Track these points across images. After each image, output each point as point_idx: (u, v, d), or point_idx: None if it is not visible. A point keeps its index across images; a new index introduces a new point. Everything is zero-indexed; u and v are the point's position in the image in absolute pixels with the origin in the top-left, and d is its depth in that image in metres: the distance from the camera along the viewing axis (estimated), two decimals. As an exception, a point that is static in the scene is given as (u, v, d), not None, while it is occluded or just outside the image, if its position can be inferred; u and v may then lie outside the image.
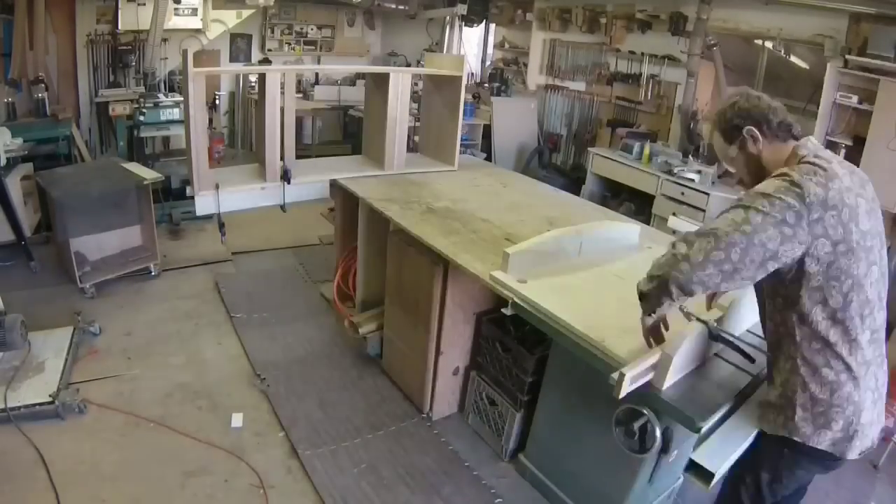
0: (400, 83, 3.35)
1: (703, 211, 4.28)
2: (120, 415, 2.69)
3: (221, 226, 3.28)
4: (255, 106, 4.74)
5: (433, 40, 7.46)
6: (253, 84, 6.88)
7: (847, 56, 3.73)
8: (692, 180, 4.39)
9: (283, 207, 3.31)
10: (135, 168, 4.05)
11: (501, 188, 3.47)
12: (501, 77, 7.00)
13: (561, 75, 6.42)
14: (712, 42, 4.48)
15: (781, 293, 1.46)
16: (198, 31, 6.67)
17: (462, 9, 6.45)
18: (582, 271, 2.23)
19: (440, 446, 2.67)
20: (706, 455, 1.59)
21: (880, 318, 1.48)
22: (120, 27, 6.11)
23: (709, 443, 1.63)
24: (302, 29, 7.64)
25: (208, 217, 3.55)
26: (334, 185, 3.34)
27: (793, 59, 4.39)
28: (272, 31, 7.48)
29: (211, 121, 6.42)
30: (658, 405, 1.66)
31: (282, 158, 3.28)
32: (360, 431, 2.70)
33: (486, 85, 7.15)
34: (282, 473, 2.45)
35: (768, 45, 4.39)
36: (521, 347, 2.45)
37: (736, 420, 1.69)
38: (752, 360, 1.72)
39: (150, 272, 3.98)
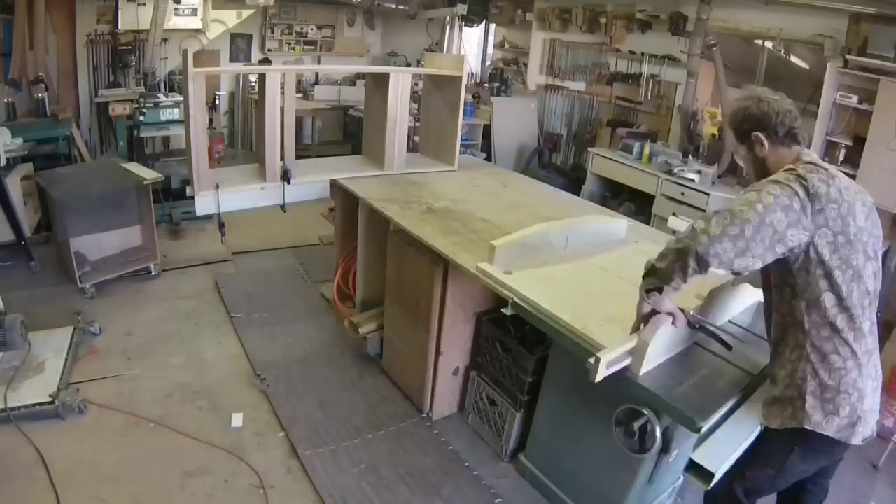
0: (400, 83, 3.35)
1: (703, 211, 4.28)
2: (120, 415, 2.69)
3: (221, 226, 3.28)
4: (255, 106, 4.74)
5: (433, 40, 7.46)
6: (253, 84, 6.88)
7: (847, 56, 3.73)
8: (692, 180, 4.39)
9: (283, 207, 3.32)
10: (135, 168, 4.05)
11: (501, 188, 3.47)
12: (501, 77, 7.00)
13: (561, 75, 6.42)
14: (712, 42, 4.48)
15: (790, 282, 1.52)
16: (198, 31, 6.67)
17: (462, 9, 6.45)
18: (567, 263, 2.28)
19: (440, 446, 2.67)
20: (706, 455, 1.59)
21: (874, 311, 1.57)
22: (120, 27, 6.11)
23: (709, 443, 1.63)
24: (302, 29, 7.64)
25: (208, 217, 3.55)
26: (334, 185, 3.34)
27: (793, 59, 4.39)
28: (272, 31, 7.47)
29: (211, 121, 6.42)
30: (658, 405, 1.66)
31: (282, 158, 3.28)
32: (360, 431, 2.70)
33: (486, 85, 7.14)
34: (282, 473, 2.45)
35: (768, 45, 4.38)
36: (521, 347, 2.45)
37: (736, 420, 1.69)
38: (728, 348, 1.77)
39: (150, 272, 3.98)
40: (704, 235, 1.45)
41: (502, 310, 2.10)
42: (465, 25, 7.12)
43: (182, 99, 4.13)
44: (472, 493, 2.42)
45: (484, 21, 7.47)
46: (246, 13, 6.97)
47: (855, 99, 3.70)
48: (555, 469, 2.38)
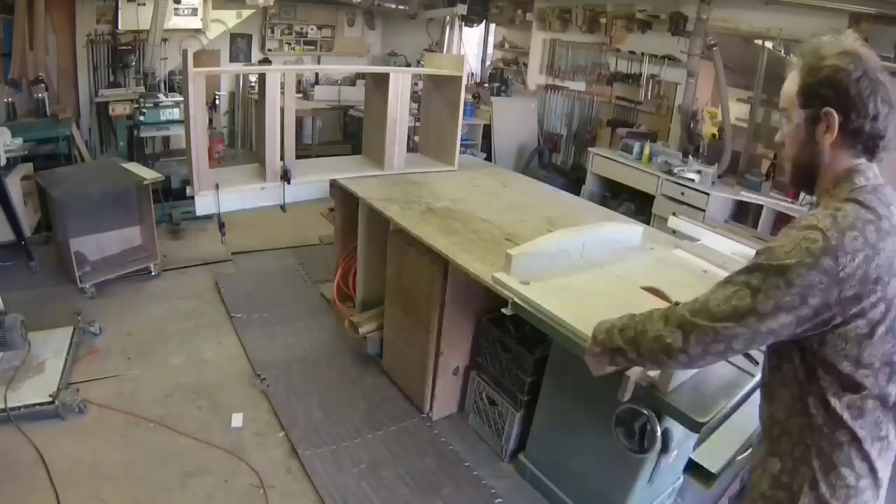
0: (400, 83, 3.35)
1: (703, 211, 4.29)
2: (120, 415, 2.69)
3: (221, 226, 3.28)
4: (255, 106, 4.73)
5: (433, 40, 7.46)
6: (253, 84, 6.88)
7: (847, 56, 3.72)
8: (692, 180, 4.40)
9: (283, 207, 3.32)
10: (135, 168, 4.05)
11: (501, 188, 3.47)
12: (501, 77, 7.00)
13: (561, 75, 6.42)
14: (712, 42, 4.48)
15: (809, 355, 1.12)
16: (198, 31, 6.67)
17: (462, 9, 6.45)
18: (584, 272, 2.22)
19: (440, 446, 2.67)
20: (706, 455, 1.59)
21: None
22: (120, 27, 6.10)
23: (709, 443, 1.63)
24: (302, 29, 7.64)
25: (208, 217, 3.55)
26: (334, 185, 3.34)
27: (793, 58, 4.39)
28: (272, 31, 7.47)
29: (211, 121, 6.41)
30: (658, 405, 1.66)
31: (282, 158, 3.28)
32: (360, 431, 2.70)
33: (486, 85, 7.14)
34: (282, 473, 2.45)
35: (768, 45, 4.38)
36: (521, 347, 2.44)
37: (736, 420, 1.69)
38: (755, 362, 1.72)
39: (150, 272, 3.98)
40: (684, 356, 1.17)
41: (502, 310, 2.10)
42: (465, 25, 7.12)
43: (182, 99, 4.14)
44: (472, 494, 2.42)
45: (484, 21, 7.48)
46: (246, 13, 6.97)
47: (855, 99, 3.70)
48: (555, 469, 2.38)
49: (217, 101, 7.10)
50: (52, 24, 5.68)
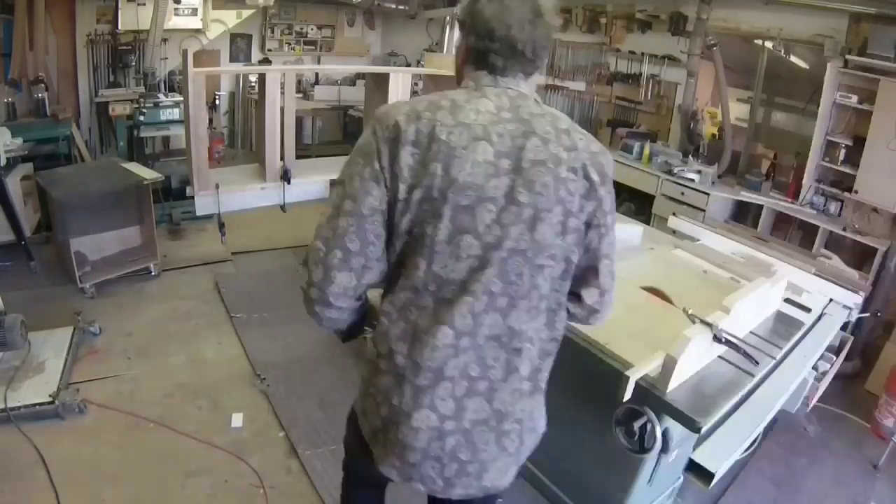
0: (400, 83, 3.35)
1: (703, 211, 4.29)
2: (120, 415, 2.69)
3: (221, 226, 3.28)
4: (255, 106, 4.73)
5: (433, 40, 7.45)
6: (253, 84, 6.87)
7: (847, 56, 3.73)
8: (692, 180, 4.39)
9: (283, 207, 3.32)
10: (135, 168, 4.05)
11: (501, 188, 3.46)
12: (501, 77, 7.00)
13: (561, 75, 6.41)
14: (712, 42, 4.48)
15: None
16: (198, 31, 6.66)
17: (462, 9, 6.44)
18: None
19: (440, 446, 2.66)
20: (706, 455, 1.59)
21: None
22: (120, 27, 6.09)
23: (709, 443, 1.63)
24: (302, 29, 7.63)
25: (208, 217, 3.55)
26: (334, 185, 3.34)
27: (793, 59, 4.39)
28: (272, 31, 7.46)
29: (211, 121, 6.41)
30: (659, 405, 1.66)
31: (282, 158, 3.28)
32: (360, 431, 2.70)
33: (486, 85, 7.13)
34: (282, 473, 2.45)
35: (768, 45, 4.38)
36: (521, 347, 2.44)
37: (736, 420, 1.69)
38: (755, 363, 1.72)
39: (150, 272, 3.98)
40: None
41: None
42: (466, 25, 7.11)
43: (182, 99, 4.14)
44: (472, 493, 2.41)
45: (484, 21, 7.47)
46: (246, 13, 6.96)
47: (855, 99, 3.70)
48: (555, 469, 2.38)
49: (217, 101, 7.10)
50: (52, 24, 5.67)
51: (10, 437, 2.48)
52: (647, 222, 4.12)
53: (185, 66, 2.76)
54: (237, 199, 3.17)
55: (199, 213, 3.12)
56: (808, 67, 4.32)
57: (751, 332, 1.99)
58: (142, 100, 5.02)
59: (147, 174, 3.89)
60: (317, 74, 7.74)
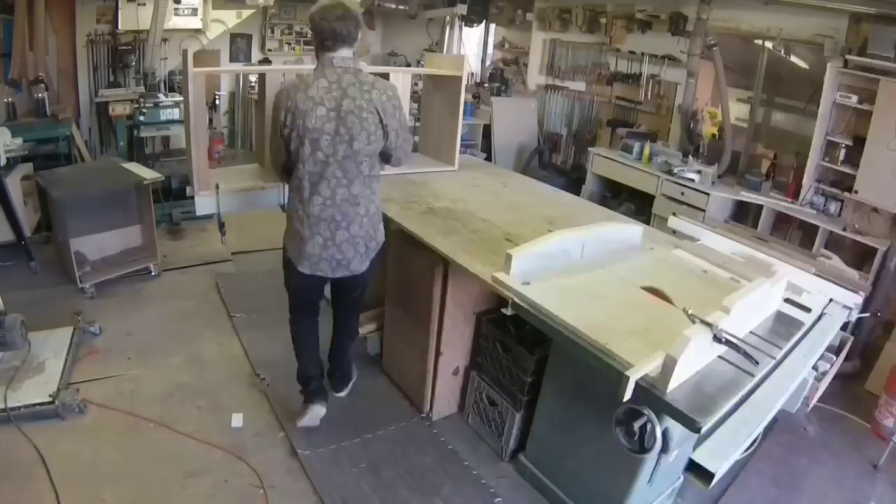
0: (400, 83, 3.34)
1: (703, 211, 4.29)
2: (120, 415, 2.69)
3: (221, 226, 3.27)
4: (255, 106, 4.73)
5: (433, 40, 7.45)
6: (253, 84, 6.88)
7: (847, 56, 3.73)
8: (692, 180, 4.39)
9: (283, 207, 3.31)
10: (135, 168, 4.05)
11: (501, 188, 3.46)
12: (501, 77, 7.00)
13: (561, 75, 6.41)
14: (712, 42, 4.48)
15: None
16: (198, 31, 6.67)
17: (462, 9, 6.44)
18: (584, 273, 2.22)
19: (440, 446, 2.67)
20: (706, 455, 1.59)
21: None
22: (120, 27, 6.10)
23: (709, 443, 1.63)
24: (302, 29, 7.63)
25: (208, 217, 3.54)
26: (334, 185, 3.35)
27: (793, 59, 4.39)
28: (272, 31, 7.47)
29: (211, 121, 6.42)
30: (659, 405, 1.66)
31: (282, 158, 3.28)
32: (359, 431, 2.70)
33: (486, 85, 7.14)
34: (282, 473, 2.45)
35: (768, 45, 4.38)
36: (521, 347, 2.45)
37: (736, 420, 1.69)
38: (755, 363, 1.72)
39: (150, 272, 3.98)
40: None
41: (502, 310, 2.10)
42: (465, 25, 7.11)
43: (182, 99, 4.13)
44: (471, 493, 2.42)
45: (484, 21, 7.47)
46: (246, 13, 6.97)
47: (855, 99, 3.70)
48: (555, 469, 2.38)
49: (217, 101, 7.11)
50: (52, 24, 5.67)
51: (10, 437, 2.48)
52: (647, 222, 4.11)
53: (185, 66, 2.75)
54: (237, 199, 3.16)
55: (199, 213, 3.11)
56: (808, 67, 4.32)
57: (751, 332, 1.99)
58: (142, 100, 5.02)
59: (147, 174, 3.89)
60: (317, 74, 7.73)
